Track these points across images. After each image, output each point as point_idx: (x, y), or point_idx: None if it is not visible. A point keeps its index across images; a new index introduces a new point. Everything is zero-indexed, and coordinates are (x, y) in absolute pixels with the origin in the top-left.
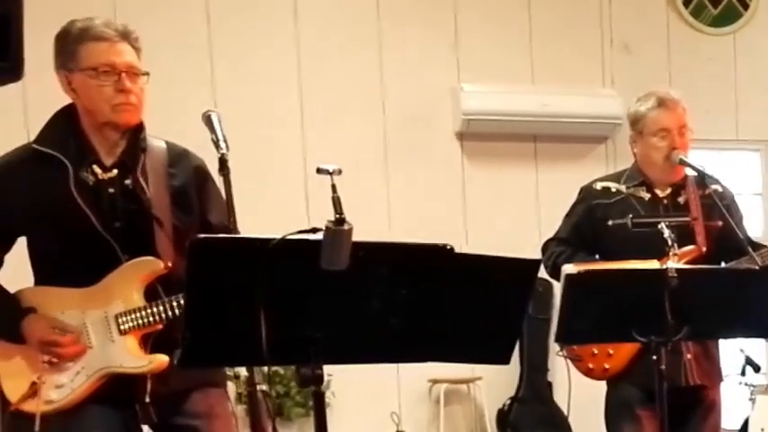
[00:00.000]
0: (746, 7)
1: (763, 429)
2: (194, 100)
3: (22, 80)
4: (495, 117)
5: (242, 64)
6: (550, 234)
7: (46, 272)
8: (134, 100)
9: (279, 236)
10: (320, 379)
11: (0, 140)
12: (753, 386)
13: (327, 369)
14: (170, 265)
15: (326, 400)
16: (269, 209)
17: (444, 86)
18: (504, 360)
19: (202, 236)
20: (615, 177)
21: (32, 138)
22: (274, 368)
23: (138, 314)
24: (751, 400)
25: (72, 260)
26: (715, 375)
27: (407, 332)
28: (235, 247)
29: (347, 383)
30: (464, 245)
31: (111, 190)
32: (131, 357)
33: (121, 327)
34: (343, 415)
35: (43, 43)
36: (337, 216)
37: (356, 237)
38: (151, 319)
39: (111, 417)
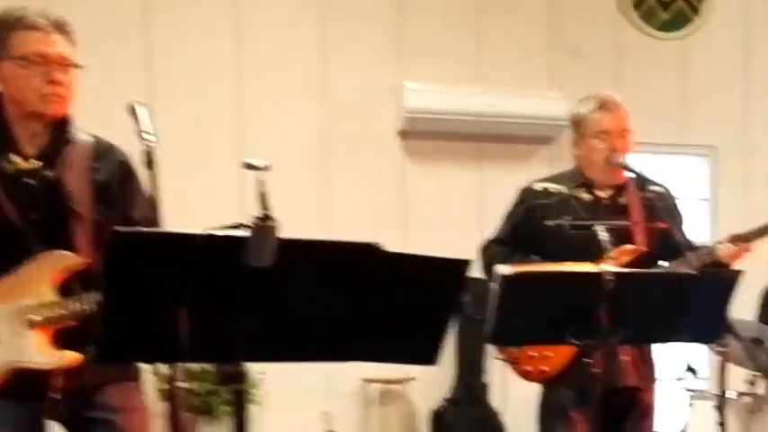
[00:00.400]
0: (697, 12)
1: None
2: (129, 91)
3: None
4: (439, 116)
5: (180, 55)
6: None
7: None
8: (63, 92)
9: (203, 231)
10: (241, 377)
11: None
12: (692, 391)
13: (260, 368)
14: (88, 261)
15: (258, 399)
16: (204, 204)
17: (388, 83)
18: (431, 361)
19: (122, 228)
20: (556, 178)
21: None
22: (202, 365)
23: (49, 309)
24: (690, 405)
25: None
26: (650, 378)
27: (333, 331)
28: (156, 241)
29: (279, 382)
30: (405, 244)
31: (31, 181)
32: (41, 353)
33: (31, 322)
34: (275, 414)
35: None
36: (263, 212)
37: (294, 234)
38: (63, 314)
39: (14, 411)
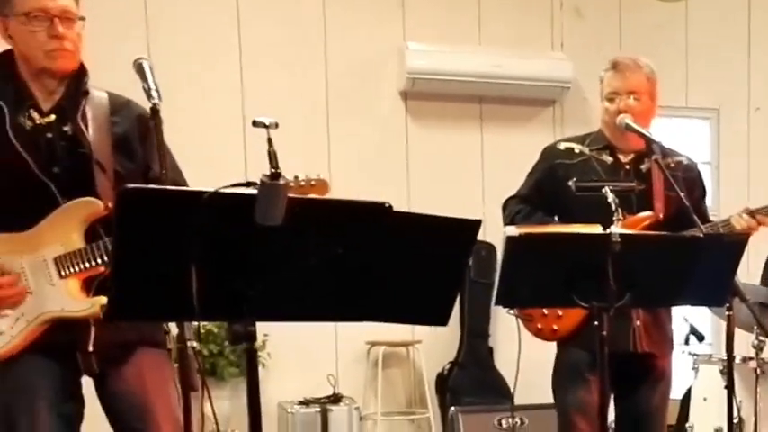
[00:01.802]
0: None
1: (705, 399)
2: (128, 48)
3: None
4: (441, 77)
5: (179, 13)
6: (494, 196)
7: None
8: (69, 46)
9: (212, 189)
10: (252, 336)
11: None
12: (696, 355)
13: (263, 329)
14: (110, 205)
15: (262, 360)
16: (207, 160)
17: (389, 44)
18: (442, 321)
19: (132, 186)
20: (579, 139)
21: None
22: (207, 326)
23: (78, 256)
24: (694, 369)
25: (10, 205)
26: (665, 344)
27: (343, 290)
28: (166, 198)
29: (284, 344)
30: (407, 205)
31: (49, 135)
32: (72, 300)
33: (61, 270)
34: (279, 376)
35: None
36: (273, 170)
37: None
38: (93, 261)
39: (52, 367)
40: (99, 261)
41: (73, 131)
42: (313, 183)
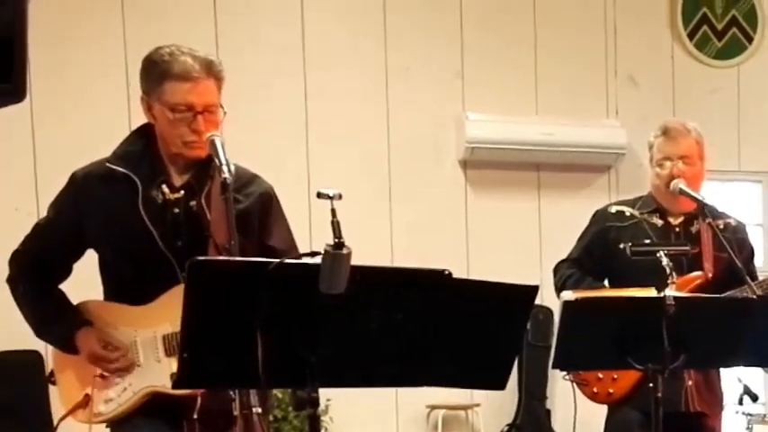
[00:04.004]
0: (751, 40)
1: None
2: None
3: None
4: (499, 146)
5: (249, 88)
6: (552, 261)
7: (111, 285)
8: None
9: (277, 259)
10: (316, 402)
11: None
12: (750, 415)
13: (326, 393)
14: None
15: (325, 424)
16: None
17: (449, 114)
18: (500, 386)
19: (201, 258)
20: (630, 203)
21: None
22: (272, 392)
23: None
24: (748, 429)
25: (134, 275)
26: (715, 404)
27: (404, 356)
28: (233, 269)
29: (346, 408)
30: (466, 271)
31: (176, 210)
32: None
33: (168, 349)
34: None
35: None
36: (336, 240)
37: (358, 262)
38: None
39: (160, 430)
40: None
41: (196, 209)
42: None
